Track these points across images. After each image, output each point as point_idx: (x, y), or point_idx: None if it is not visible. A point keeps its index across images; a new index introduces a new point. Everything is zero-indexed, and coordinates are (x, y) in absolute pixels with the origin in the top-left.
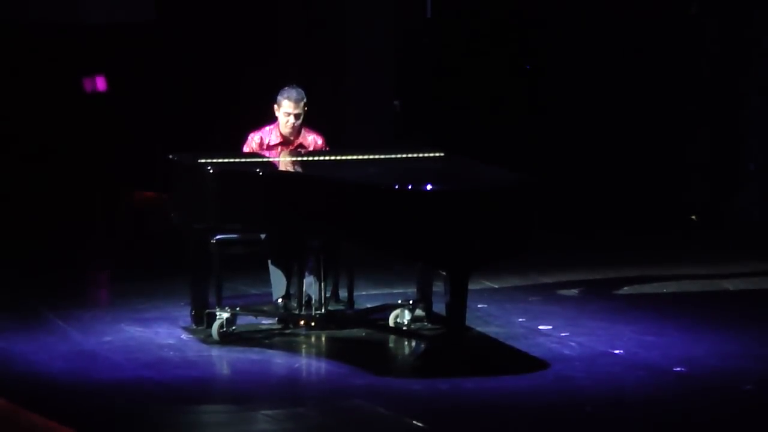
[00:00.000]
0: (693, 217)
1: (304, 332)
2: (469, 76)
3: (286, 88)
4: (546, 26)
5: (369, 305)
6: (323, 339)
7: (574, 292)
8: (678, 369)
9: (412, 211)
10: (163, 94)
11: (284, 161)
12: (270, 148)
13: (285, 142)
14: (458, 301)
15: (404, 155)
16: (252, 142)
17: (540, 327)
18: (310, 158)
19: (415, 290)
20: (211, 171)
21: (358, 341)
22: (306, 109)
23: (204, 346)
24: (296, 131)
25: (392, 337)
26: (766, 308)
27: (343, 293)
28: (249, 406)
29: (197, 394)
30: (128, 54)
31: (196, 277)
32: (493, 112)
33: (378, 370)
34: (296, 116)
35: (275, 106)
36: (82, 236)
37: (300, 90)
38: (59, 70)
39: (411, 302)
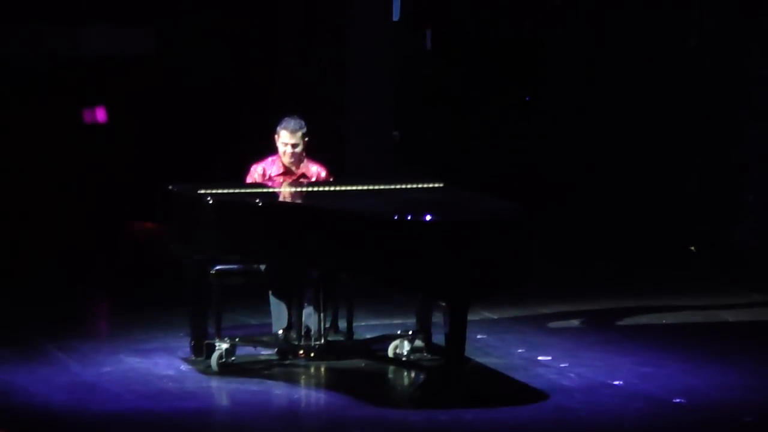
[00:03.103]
0: (692, 248)
1: (303, 363)
2: (468, 108)
3: (286, 117)
4: (545, 58)
5: (368, 336)
6: (322, 370)
7: (573, 323)
8: (677, 400)
9: (411, 241)
10: (163, 125)
11: (283, 192)
12: (272, 179)
13: (287, 172)
14: (457, 332)
15: (403, 186)
16: (254, 173)
17: (539, 358)
18: (309, 189)
19: (414, 321)
20: (210, 202)
21: (358, 372)
22: (306, 139)
23: (203, 377)
24: (297, 161)
25: (391, 368)
26: (766, 339)
27: (342, 324)
28: None
29: (196, 425)
30: (128, 86)
31: (196, 308)
32: (493, 143)
33: (377, 401)
34: (293, 146)
35: (275, 137)
36: (82, 267)
37: (299, 120)
38: (59, 101)
39: (410, 333)
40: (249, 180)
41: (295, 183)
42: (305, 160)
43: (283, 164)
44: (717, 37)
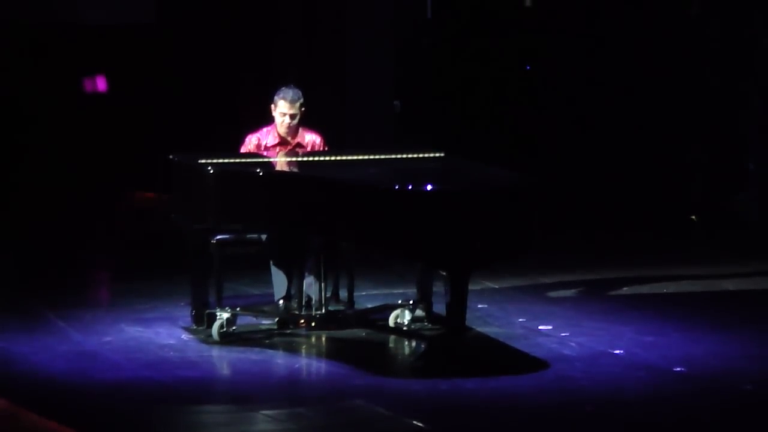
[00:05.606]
0: (693, 217)
1: (304, 332)
2: (469, 77)
3: (283, 87)
4: (546, 27)
5: (369, 305)
6: (323, 339)
7: (573, 292)
8: (678, 369)
9: (412, 211)
10: (164, 94)
11: (284, 161)
12: (267, 149)
13: (282, 142)
14: (458, 302)
15: (404, 156)
16: (250, 143)
17: (540, 327)
18: (310, 158)
19: (415, 290)
20: (211, 171)
21: (358, 341)
22: (303, 109)
23: (204, 347)
24: (293, 131)
25: (392, 338)
26: (766, 308)
27: (343, 293)
28: (249, 406)
29: (197, 394)
30: (129, 55)
31: (197, 278)
32: (493, 113)
33: (378, 370)
34: (292, 116)
35: (272, 106)
36: (83, 236)
37: (297, 90)
38: (59, 70)
39: (411, 302)
40: (243, 150)
41: (294, 152)
42: (300, 129)
43: (278, 134)
44: (719, 6)
